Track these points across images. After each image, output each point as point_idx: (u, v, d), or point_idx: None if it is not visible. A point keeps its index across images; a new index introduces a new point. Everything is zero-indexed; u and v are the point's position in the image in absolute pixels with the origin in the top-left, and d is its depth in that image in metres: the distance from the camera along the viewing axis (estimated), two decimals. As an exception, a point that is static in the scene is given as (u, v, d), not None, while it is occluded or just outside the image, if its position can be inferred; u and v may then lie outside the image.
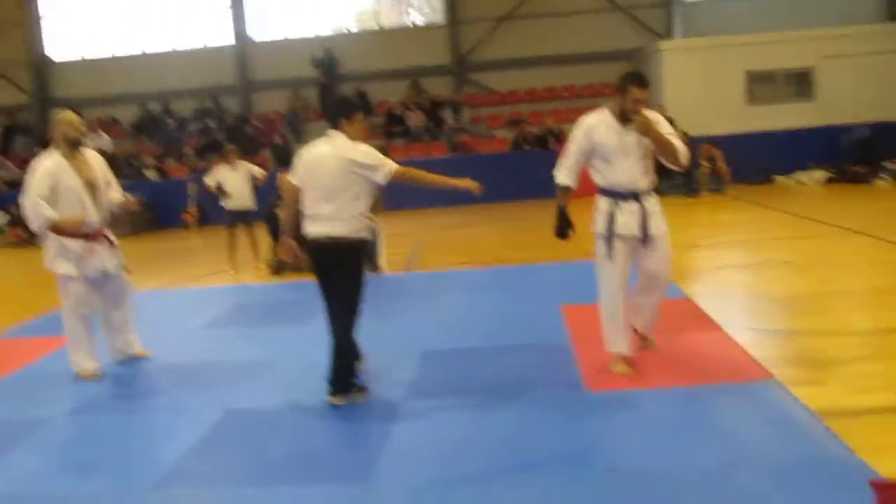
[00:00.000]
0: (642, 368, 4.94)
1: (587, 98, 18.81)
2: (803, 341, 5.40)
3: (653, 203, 4.87)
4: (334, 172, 4.54)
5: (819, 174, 15.17)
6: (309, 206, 4.67)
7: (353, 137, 4.64)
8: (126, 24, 20.25)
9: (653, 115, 4.75)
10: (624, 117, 4.73)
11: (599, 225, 4.88)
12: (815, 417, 3.97)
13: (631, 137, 4.72)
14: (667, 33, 18.89)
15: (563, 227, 5.04)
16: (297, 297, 8.25)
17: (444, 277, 8.55)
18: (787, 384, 4.45)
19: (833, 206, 12.36)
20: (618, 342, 4.94)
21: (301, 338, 6.42)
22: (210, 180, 9.91)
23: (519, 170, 15.73)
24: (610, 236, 4.83)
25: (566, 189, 5.00)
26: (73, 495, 3.79)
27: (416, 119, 18.01)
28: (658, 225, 4.86)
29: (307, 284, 8.83)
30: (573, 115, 18.01)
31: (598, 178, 4.91)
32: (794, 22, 17.77)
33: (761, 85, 16.42)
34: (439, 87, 19.40)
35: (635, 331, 5.16)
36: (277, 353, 6.01)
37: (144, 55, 20.07)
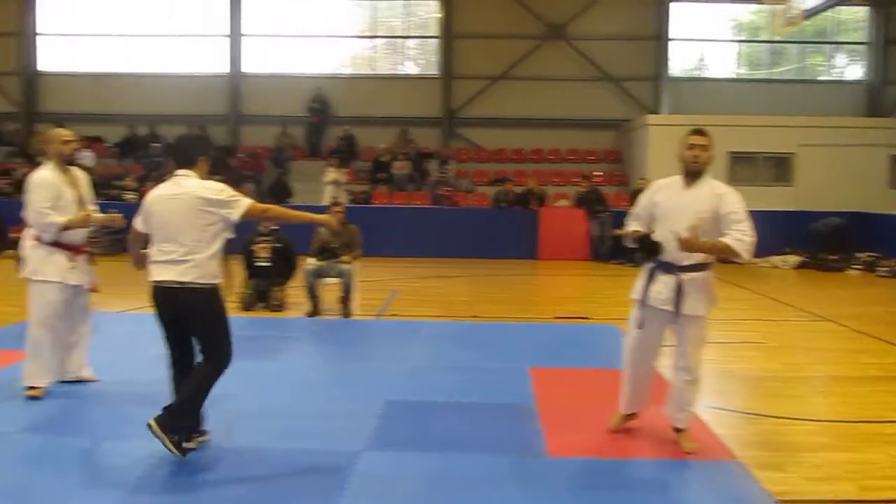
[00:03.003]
0: (605, 438, 4.91)
1: (572, 162, 19.17)
2: (767, 424, 5.40)
3: (694, 279, 4.58)
4: (184, 211, 4.32)
5: (793, 258, 15.39)
6: (156, 249, 4.42)
7: (202, 178, 4.48)
8: (120, 43, 20.33)
9: (726, 193, 4.51)
10: (685, 174, 4.66)
11: (635, 289, 4.80)
12: (774, 502, 3.95)
13: (690, 202, 4.53)
14: (654, 107, 19.30)
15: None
16: (264, 333, 8.19)
17: (415, 327, 8.51)
18: (748, 466, 4.44)
19: (804, 291, 12.52)
20: (621, 402, 4.99)
21: (266, 374, 6.36)
22: None
23: (498, 227, 15.84)
24: (641, 303, 4.73)
25: (636, 232, 4.79)
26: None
27: (401, 168, 18.12)
28: (692, 305, 4.58)
29: (277, 321, 8.87)
30: (556, 178, 18.48)
31: None
32: (777, 108, 18.33)
33: (742, 166, 16.76)
34: (427, 138, 19.59)
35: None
36: (239, 387, 5.88)
37: (136, 75, 20.09)
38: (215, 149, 18.45)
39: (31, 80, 20.48)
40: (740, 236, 4.41)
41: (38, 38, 20.51)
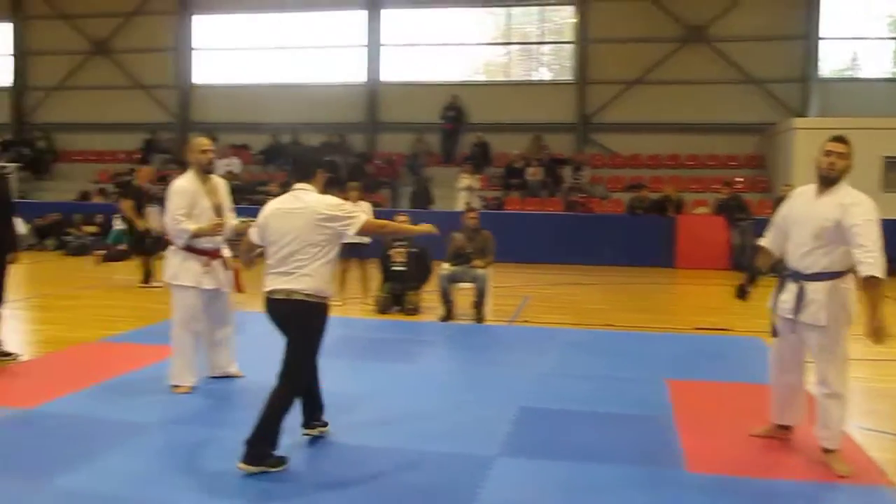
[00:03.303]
0: (749, 455, 4.71)
1: (711, 168, 18.53)
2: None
3: (818, 288, 4.42)
4: (301, 226, 4.38)
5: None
6: (270, 261, 4.49)
7: (320, 191, 4.55)
8: (265, 56, 21.33)
9: (853, 205, 4.30)
10: (819, 182, 4.51)
11: (770, 298, 4.78)
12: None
13: (817, 210, 4.43)
14: (801, 110, 18.37)
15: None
16: (400, 336, 8.36)
17: (548, 334, 8.45)
18: (905, 493, 4.14)
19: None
20: (771, 411, 4.95)
21: (402, 376, 6.50)
22: None
23: (634, 234, 15.48)
24: (774, 312, 4.72)
25: (762, 250, 4.90)
26: (160, 501, 3.90)
27: (534, 174, 18.06)
28: (812, 314, 4.43)
29: (412, 324, 9.03)
30: (695, 185, 17.89)
31: None
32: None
33: (898, 172, 15.71)
34: (561, 144, 19.44)
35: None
36: (377, 388, 6.07)
37: (279, 86, 21.00)
38: (353, 156, 19.09)
39: (186, 92, 21.80)
40: (863, 258, 4.18)
41: (192, 52, 21.83)
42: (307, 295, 4.33)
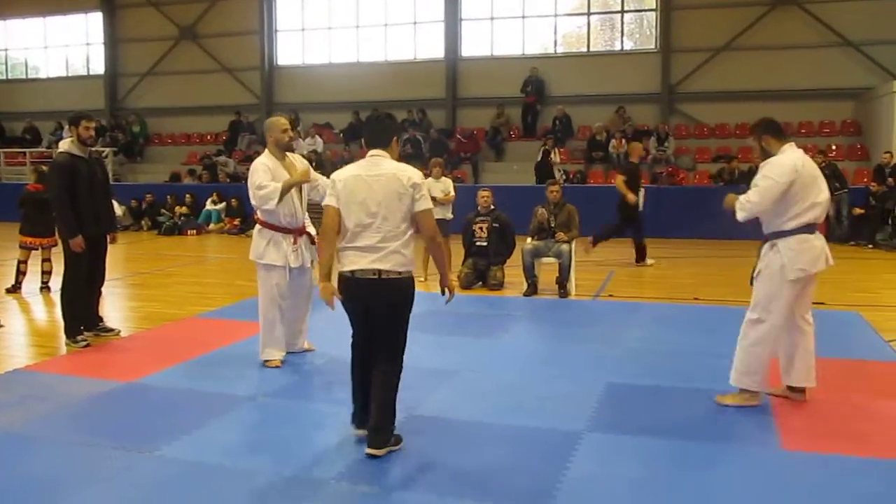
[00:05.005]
0: (846, 434, 4.56)
1: (805, 136, 17.82)
2: None
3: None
4: (384, 193, 4.09)
5: None
6: (349, 234, 4.15)
7: (396, 159, 4.27)
8: (346, 36, 21.53)
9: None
10: None
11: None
12: None
13: None
14: (901, 73, 17.46)
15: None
16: (485, 311, 8.39)
17: (635, 309, 8.33)
18: None
19: None
20: None
21: (489, 351, 6.53)
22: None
23: (722, 206, 15.02)
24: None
25: None
26: (262, 471, 4.02)
27: (618, 146, 17.75)
28: None
29: (496, 299, 9.03)
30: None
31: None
32: None
33: None
34: (645, 115, 19.04)
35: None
36: (464, 362, 6.11)
37: (360, 64, 21.21)
38: (437, 131, 19.10)
39: (270, 73, 22.21)
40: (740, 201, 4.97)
41: (276, 34, 22.18)
42: (399, 273, 4.10)
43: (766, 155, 4.98)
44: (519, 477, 3.98)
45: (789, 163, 4.80)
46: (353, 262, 4.10)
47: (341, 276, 4.16)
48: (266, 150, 5.96)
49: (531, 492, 3.79)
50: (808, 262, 4.83)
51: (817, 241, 4.89)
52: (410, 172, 4.16)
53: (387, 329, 4.19)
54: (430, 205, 4.16)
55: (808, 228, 4.85)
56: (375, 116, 4.50)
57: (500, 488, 3.84)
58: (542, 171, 16.77)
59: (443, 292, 4.36)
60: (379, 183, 4.09)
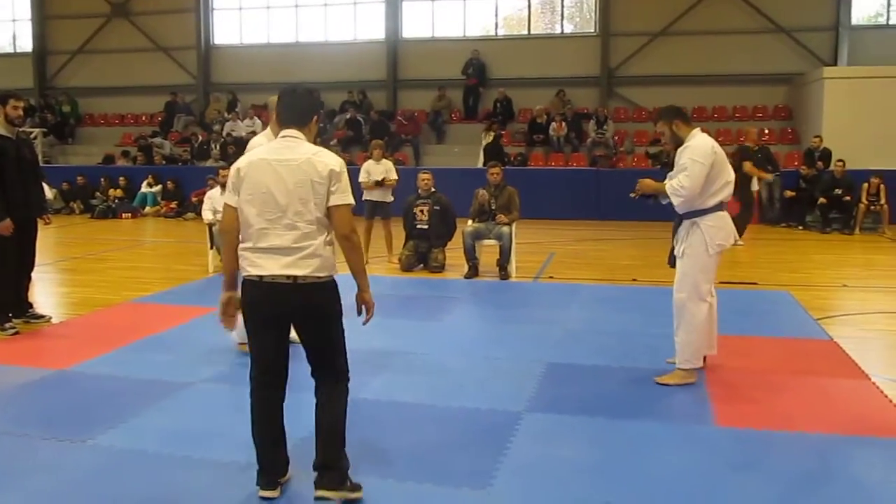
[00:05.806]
0: (778, 409, 4.70)
1: (738, 121, 18.23)
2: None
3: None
4: (298, 183, 3.36)
5: None
6: (253, 232, 3.40)
7: (311, 142, 3.54)
8: (285, 15, 21.16)
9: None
10: None
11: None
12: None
13: None
14: (832, 59, 17.95)
15: None
16: (426, 294, 8.40)
17: (573, 290, 8.44)
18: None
19: None
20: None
21: (430, 333, 6.55)
22: (364, 177, 10.15)
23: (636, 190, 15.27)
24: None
25: None
26: (200, 459, 3.96)
27: (558, 129, 17.88)
28: None
29: (437, 282, 9.05)
30: (721, 137, 17.57)
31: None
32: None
33: (933, 122, 15.34)
34: (585, 99, 19.21)
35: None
36: (406, 345, 6.10)
37: (299, 45, 20.90)
38: (377, 113, 18.97)
39: (207, 52, 21.72)
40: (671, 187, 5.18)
41: (213, 12, 21.69)
42: (319, 278, 3.39)
43: (677, 140, 5.38)
44: (459, 457, 4.01)
45: (708, 145, 5.17)
46: (260, 266, 3.36)
47: (246, 282, 3.43)
48: (268, 129, 5.84)
49: (471, 472, 3.82)
50: (725, 238, 5.14)
51: (728, 217, 5.21)
52: (328, 158, 3.41)
53: (317, 346, 3.50)
54: (349, 200, 3.40)
55: (722, 206, 5.16)
56: (292, 89, 3.61)
57: (440, 469, 3.86)
58: (493, 155, 16.77)
59: (359, 311, 3.59)
60: (288, 170, 3.35)
